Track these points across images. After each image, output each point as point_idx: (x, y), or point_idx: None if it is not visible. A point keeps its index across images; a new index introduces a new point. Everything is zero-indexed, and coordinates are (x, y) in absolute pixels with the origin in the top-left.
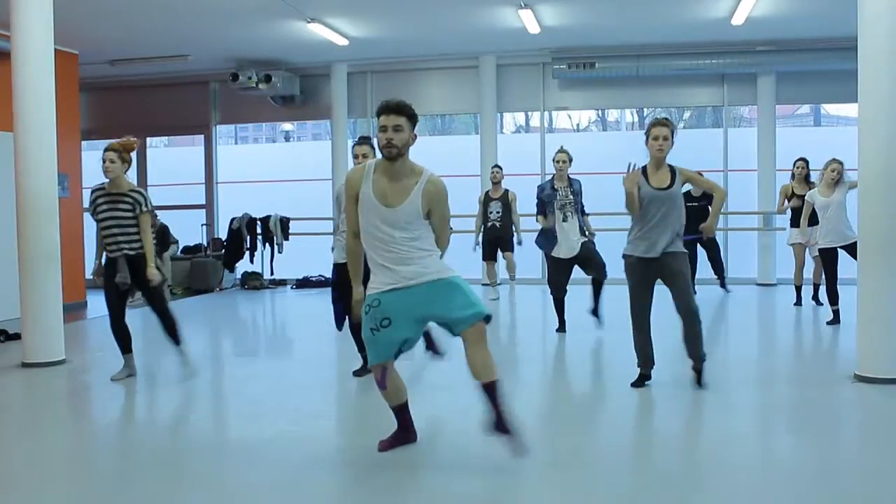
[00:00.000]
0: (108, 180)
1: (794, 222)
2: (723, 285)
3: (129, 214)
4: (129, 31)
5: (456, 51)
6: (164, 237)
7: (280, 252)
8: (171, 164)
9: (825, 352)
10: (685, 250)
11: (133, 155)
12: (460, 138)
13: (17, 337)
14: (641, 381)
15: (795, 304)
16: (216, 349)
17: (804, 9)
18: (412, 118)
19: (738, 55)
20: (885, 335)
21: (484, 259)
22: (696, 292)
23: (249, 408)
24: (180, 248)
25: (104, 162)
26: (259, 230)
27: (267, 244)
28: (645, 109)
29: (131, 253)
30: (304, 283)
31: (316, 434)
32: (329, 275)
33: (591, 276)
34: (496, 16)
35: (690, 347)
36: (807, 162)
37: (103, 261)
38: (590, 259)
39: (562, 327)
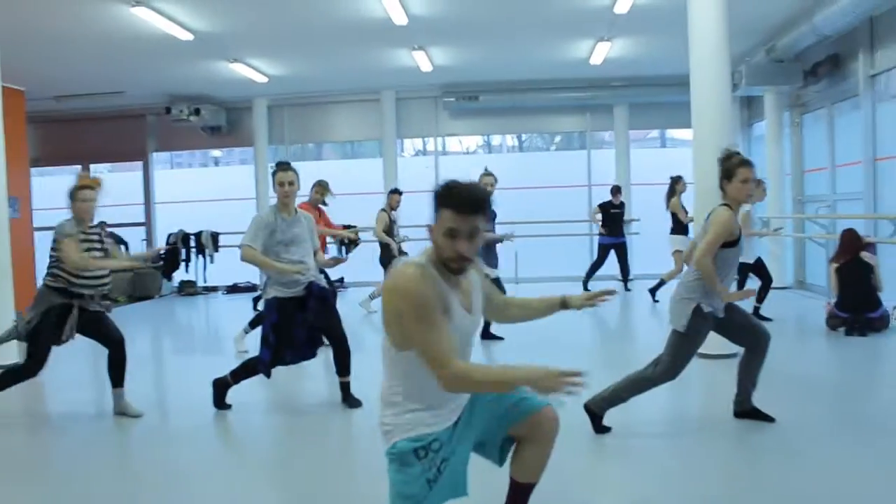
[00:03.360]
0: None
1: (675, 230)
2: (626, 286)
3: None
4: (71, 71)
5: (360, 86)
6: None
7: (212, 262)
8: (114, 188)
9: None
10: None
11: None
12: (366, 161)
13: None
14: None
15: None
16: (157, 348)
17: (649, 52)
18: (488, 213)
19: (598, 89)
20: None
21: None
22: (630, 289)
23: (185, 400)
24: None
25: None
26: (193, 244)
27: (200, 256)
28: (523, 135)
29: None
30: (233, 289)
31: (246, 421)
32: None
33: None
34: (394, 57)
35: (753, 378)
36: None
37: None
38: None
39: (490, 335)
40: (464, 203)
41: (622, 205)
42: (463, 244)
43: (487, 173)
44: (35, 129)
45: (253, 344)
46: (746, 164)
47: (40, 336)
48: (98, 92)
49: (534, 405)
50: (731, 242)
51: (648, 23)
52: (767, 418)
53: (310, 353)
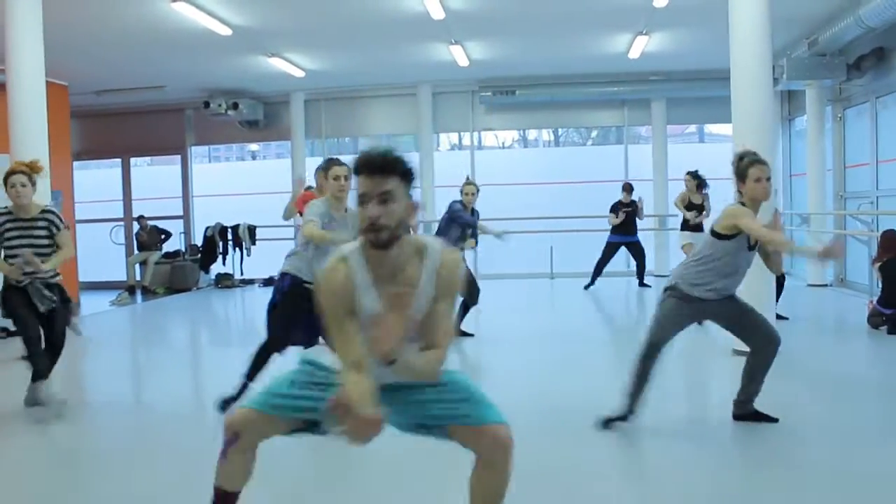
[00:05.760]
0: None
1: (684, 226)
2: (642, 283)
3: (46, 241)
4: (112, 66)
5: (397, 81)
6: (156, 236)
7: (248, 255)
8: (152, 181)
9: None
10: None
11: (118, 172)
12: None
13: (16, 334)
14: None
15: None
16: (195, 339)
17: (688, 46)
18: (407, 176)
19: (635, 83)
20: None
21: None
22: (649, 285)
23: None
24: (162, 252)
25: (14, 186)
26: (230, 237)
27: (237, 248)
28: (559, 129)
29: (51, 280)
30: (270, 282)
31: None
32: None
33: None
34: (431, 51)
35: (757, 382)
36: (693, 174)
37: None
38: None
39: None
40: (371, 163)
41: (633, 203)
42: (374, 209)
43: (469, 182)
44: (77, 124)
45: None
46: (757, 162)
47: (20, 318)
48: (138, 87)
49: (481, 419)
50: (732, 235)
51: (688, 16)
52: (769, 419)
53: (311, 340)
